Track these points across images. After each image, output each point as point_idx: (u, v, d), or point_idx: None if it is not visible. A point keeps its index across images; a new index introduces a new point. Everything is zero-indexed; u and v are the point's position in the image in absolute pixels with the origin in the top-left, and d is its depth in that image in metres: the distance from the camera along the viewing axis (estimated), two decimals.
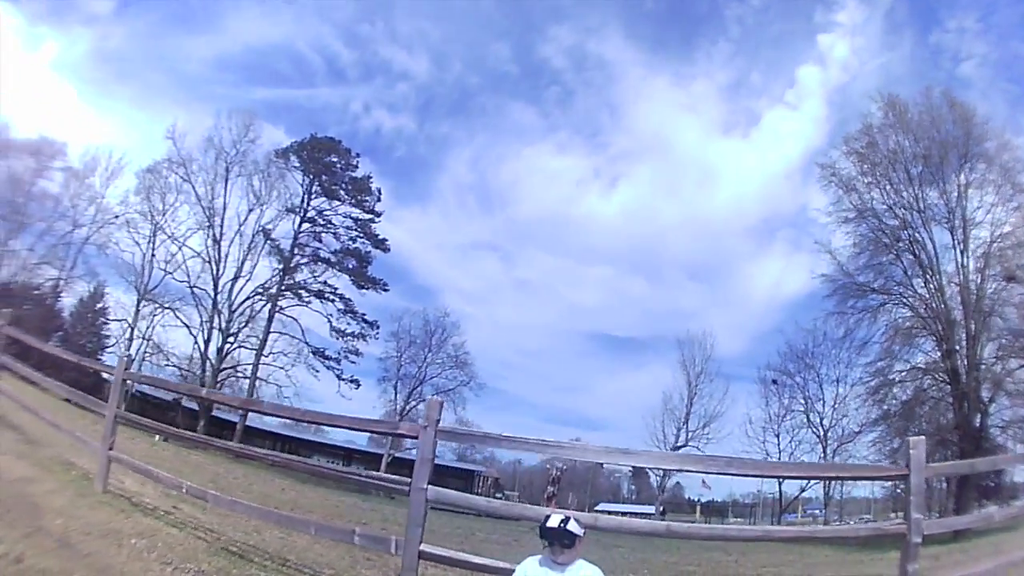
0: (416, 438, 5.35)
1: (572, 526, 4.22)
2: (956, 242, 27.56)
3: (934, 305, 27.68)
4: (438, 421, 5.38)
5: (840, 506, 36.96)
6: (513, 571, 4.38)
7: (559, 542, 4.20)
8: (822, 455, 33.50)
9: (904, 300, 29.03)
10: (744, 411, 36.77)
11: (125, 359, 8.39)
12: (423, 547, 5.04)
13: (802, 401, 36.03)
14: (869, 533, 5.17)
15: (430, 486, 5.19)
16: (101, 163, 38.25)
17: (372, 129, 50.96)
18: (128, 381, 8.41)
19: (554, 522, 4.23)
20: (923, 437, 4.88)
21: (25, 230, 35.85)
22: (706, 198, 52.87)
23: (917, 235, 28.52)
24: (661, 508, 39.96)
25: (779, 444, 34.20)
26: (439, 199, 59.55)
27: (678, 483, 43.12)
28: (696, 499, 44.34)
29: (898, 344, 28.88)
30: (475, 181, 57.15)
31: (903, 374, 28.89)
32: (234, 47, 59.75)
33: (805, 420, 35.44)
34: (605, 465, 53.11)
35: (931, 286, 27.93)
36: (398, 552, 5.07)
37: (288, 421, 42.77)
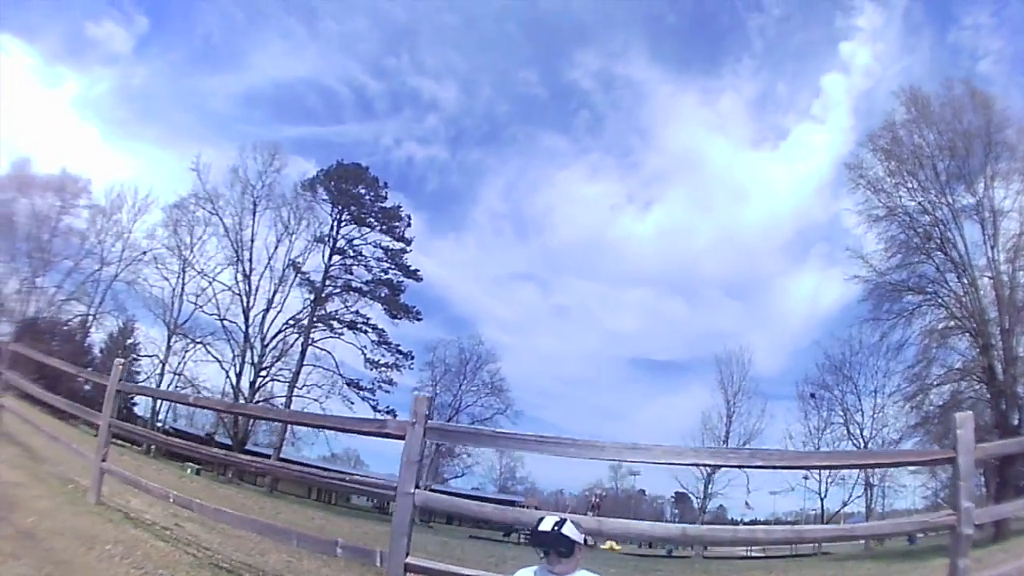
0: (402, 438, 4.87)
1: (568, 530, 3.62)
2: (986, 236, 26.87)
3: (967, 302, 26.81)
4: (427, 417, 4.88)
5: (882, 519, 35.40)
6: None
7: (554, 549, 3.60)
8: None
9: (938, 299, 28.14)
10: (783, 427, 36.26)
11: (120, 367, 8.00)
12: (409, 559, 4.54)
13: (841, 413, 35.32)
14: (914, 528, 4.59)
15: (418, 490, 4.71)
16: (127, 200, 38.35)
17: (404, 161, 51.11)
18: (121, 392, 8.03)
19: (547, 525, 3.66)
20: (971, 413, 4.23)
21: (51, 267, 35.97)
22: (740, 215, 52.35)
23: (948, 232, 27.75)
24: None
25: None
26: (474, 229, 59.39)
27: (721, 505, 42.11)
28: (739, 520, 43.80)
29: (934, 345, 27.97)
30: (509, 209, 57.08)
31: (940, 377, 27.88)
32: (260, 83, 60.43)
33: (845, 432, 34.54)
34: (646, 493, 52.83)
35: (964, 282, 27.04)
36: (383, 565, 4.58)
37: (327, 455, 42.52)
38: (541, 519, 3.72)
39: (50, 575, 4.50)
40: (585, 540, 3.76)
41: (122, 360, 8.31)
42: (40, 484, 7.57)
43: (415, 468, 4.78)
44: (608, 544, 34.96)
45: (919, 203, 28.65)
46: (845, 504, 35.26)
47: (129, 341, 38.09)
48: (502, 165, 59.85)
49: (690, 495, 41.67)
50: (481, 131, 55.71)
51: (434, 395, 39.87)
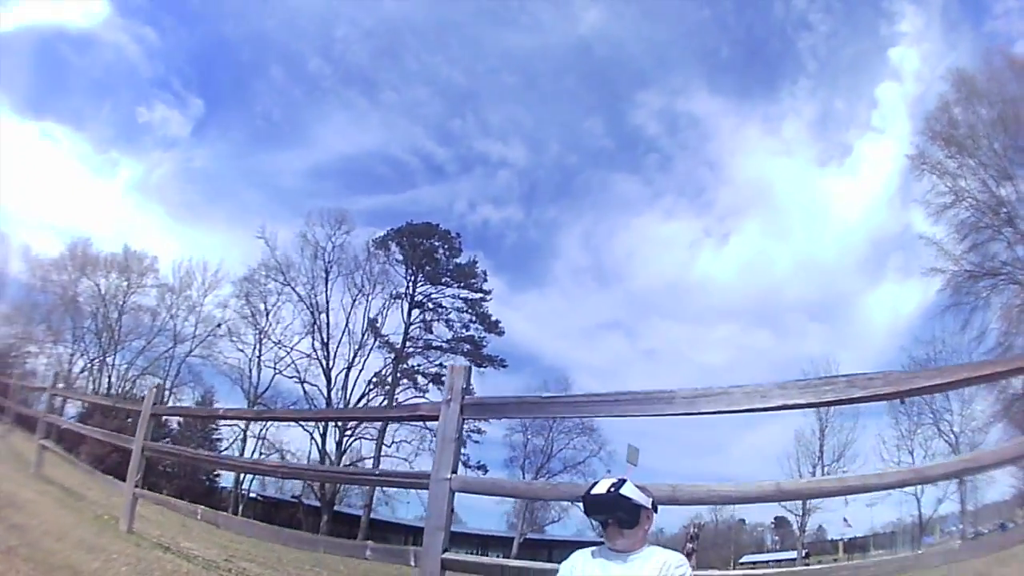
0: (436, 419, 4.21)
1: (630, 491, 2.87)
2: None
3: None
4: (464, 391, 4.20)
5: (975, 516, 34.03)
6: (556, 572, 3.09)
7: (614, 517, 2.87)
8: None
9: (1013, 276, 26.96)
10: (876, 433, 36.21)
11: (154, 390, 7.73)
12: (447, 555, 3.84)
13: (930, 413, 35.01)
14: None
15: (454, 475, 4.00)
16: (197, 276, 38.06)
17: (480, 224, 51.40)
18: (157, 416, 7.77)
19: (602, 488, 2.91)
20: None
21: (122, 345, 35.99)
22: (815, 237, 51.44)
23: (1013, 207, 26.81)
24: (805, 552, 38.22)
25: (912, 459, 33.53)
26: (556, 283, 59.01)
27: (820, 526, 41.51)
28: (839, 539, 42.01)
29: (1012, 330, 26.53)
30: (589, 260, 56.87)
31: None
32: (326, 157, 61.54)
33: (936, 431, 34.55)
34: (746, 522, 50.97)
35: None
36: (417, 564, 3.89)
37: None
38: (595, 483, 2.97)
39: None
40: (654, 505, 2.98)
41: (157, 382, 8.07)
42: (70, 511, 7.26)
43: (452, 449, 4.10)
44: (710, 573, 33.47)
45: (982, 181, 27.71)
46: (941, 501, 34.66)
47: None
48: (577, 217, 59.65)
49: (789, 519, 41.35)
50: (553, 185, 56.19)
51: (526, 441, 38.43)
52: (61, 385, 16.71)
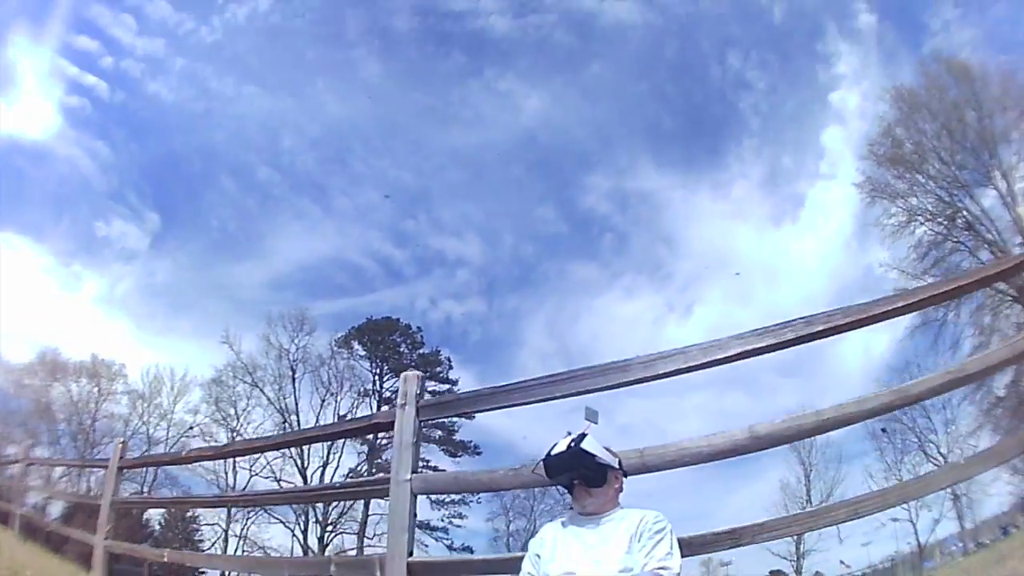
0: (391, 427, 4.03)
1: (591, 445, 2.71)
2: (1006, 200, 26.15)
3: None
4: (419, 396, 4.08)
5: (974, 534, 33.41)
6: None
7: (579, 475, 2.71)
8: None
9: None
10: (862, 467, 35.65)
11: (120, 446, 7.61)
12: (413, 559, 3.62)
13: (915, 439, 34.87)
14: None
15: (414, 475, 3.81)
16: (166, 383, 38.39)
17: (443, 320, 51.92)
18: (123, 470, 7.57)
19: (562, 446, 2.74)
20: None
21: (98, 449, 34.99)
22: (777, 294, 52.24)
23: (969, 213, 27.26)
24: None
25: None
26: (524, 371, 58.39)
27: (817, 572, 39.17)
28: None
29: (986, 331, 26.53)
30: (555, 346, 57.10)
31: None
32: (286, 267, 61.55)
33: (923, 456, 34.11)
34: None
35: (998, 254, 25.68)
36: (382, 573, 3.62)
37: None
38: (554, 444, 2.79)
39: None
40: (622, 468, 2.84)
41: (122, 440, 8.01)
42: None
43: (411, 452, 3.91)
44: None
45: (937, 197, 28.21)
46: (937, 521, 33.94)
47: (188, 513, 36.48)
48: (539, 305, 60.33)
49: (784, 572, 39.63)
50: (512, 276, 57.09)
51: (508, 522, 38.80)
52: (33, 479, 15.94)
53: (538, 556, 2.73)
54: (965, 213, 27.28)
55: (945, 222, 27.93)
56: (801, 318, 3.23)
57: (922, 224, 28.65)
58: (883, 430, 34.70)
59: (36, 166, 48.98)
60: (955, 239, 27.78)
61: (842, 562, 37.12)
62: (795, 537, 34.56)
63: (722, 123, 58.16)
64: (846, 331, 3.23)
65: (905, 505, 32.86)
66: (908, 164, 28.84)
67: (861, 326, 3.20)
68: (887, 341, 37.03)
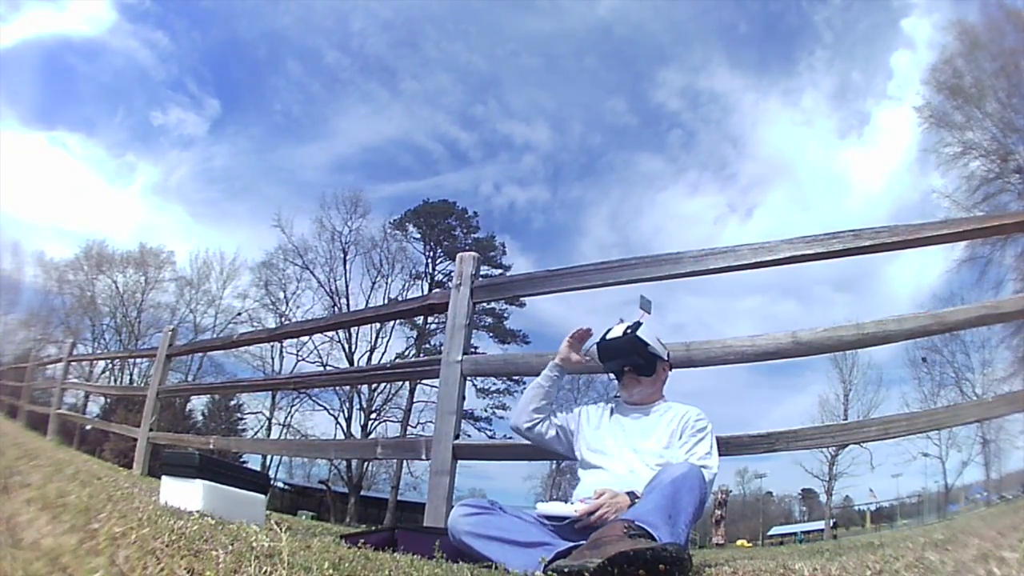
0: (446, 307, 4.19)
1: (645, 333, 2.74)
2: None
3: None
4: (474, 277, 4.18)
5: (999, 486, 33.67)
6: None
7: (631, 363, 2.74)
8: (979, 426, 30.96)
9: None
10: (900, 395, 35.90)
11: (170, 332, 7.71)
12: (457, 442, 3.80)
13: (952, 373, 34.83)
14: None
15: (465, 356, 3.99)
16: (215, 267, 37.82)
17: (506, 207, 51.22)
18: (171, 358, 7.75)
19: (618, 331, 2.77)
20: None
21: (142, 342, 35.17)
22: (837, 207, 51.15)
23: (1021, 157, 26.44)
24: (833, 522, 38.38)
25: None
26: (583, 261, 58.53)
27: (847, 496, 41.80)
28: (866, 509, 42.34)
29: None
30: (616, 238, 56.49)
31: None
32: (349, 149, 60.91)
33: (958, 392, 33.82)
34: (774, 494, 51.41)
35: None
36: (428, 456, 3.86)
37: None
38: (609, 329, 2.83)
39: None
40: (669, 360, 2.88)
41: (171, 327, 8.18)
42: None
43: (463, 334, 4.05)
44: (740, 542, 33.46)
45: (992, 135, 27.28)
46: (965, 464, 34.84)
47: (233, 402, 36.83)
48: (603, 196, 59.44)
49: (815, 490, 41.69)
50: (578, 165, 55.97)
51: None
52: (72, 377, 16.05)
53: (577, 420, 2.84)
54: (1017, 157, 26.51)
55: (998, 161, 27.11)
56: (851, 230, 3.27)
57: (976, 159, 27.84)
58: (923, 359, 35.22)
59: (88, 62, 48.65)
60: (1006, 179, 27.03)
61: (871, 490, 38.63)
62: (828, 458, 36.16)
63: (796, 32, 55.79)
64: (892, 250, 3.29)
65: (937, 441, 34.47)
66: (967, 96, 27.85)
67: (907, 247, 3.24)
68: (937, 272, 36.82)
